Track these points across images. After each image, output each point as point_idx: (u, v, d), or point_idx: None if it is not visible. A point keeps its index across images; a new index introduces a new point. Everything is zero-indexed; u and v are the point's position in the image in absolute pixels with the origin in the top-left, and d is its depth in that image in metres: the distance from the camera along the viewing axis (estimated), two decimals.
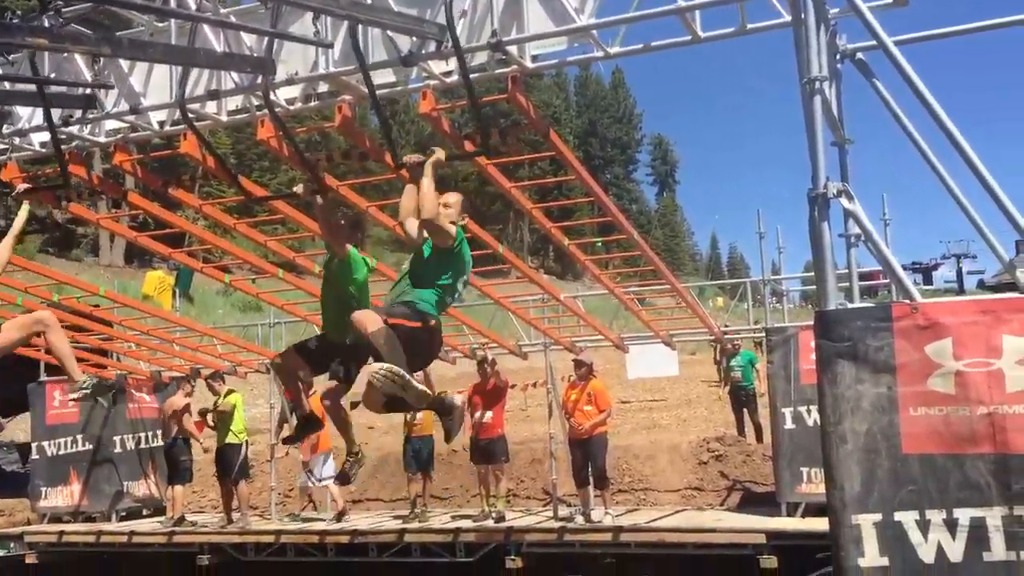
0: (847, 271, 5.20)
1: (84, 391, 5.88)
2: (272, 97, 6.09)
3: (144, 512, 15.45)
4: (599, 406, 11.78)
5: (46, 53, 6.55)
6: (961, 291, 35.72)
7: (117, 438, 15.30)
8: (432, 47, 5.62)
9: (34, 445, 15.73)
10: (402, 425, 13.26)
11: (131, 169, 7.54)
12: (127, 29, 6.81)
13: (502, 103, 6.59)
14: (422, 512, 12.97)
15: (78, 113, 6.64)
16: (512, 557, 11.49)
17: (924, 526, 4.58)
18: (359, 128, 6.34)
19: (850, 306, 4.95)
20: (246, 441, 13.68)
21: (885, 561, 4.60)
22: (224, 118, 6.66)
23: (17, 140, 7.08)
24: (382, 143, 6.60)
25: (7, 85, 6.57)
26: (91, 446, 15.21)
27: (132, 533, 13.80)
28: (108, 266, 44.60)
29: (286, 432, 11.28)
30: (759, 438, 15.17)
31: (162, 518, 14.15)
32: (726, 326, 15.73)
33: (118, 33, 6.28)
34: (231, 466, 13.26)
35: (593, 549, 11.45)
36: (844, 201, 4.93)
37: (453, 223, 5.43)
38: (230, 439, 13.29)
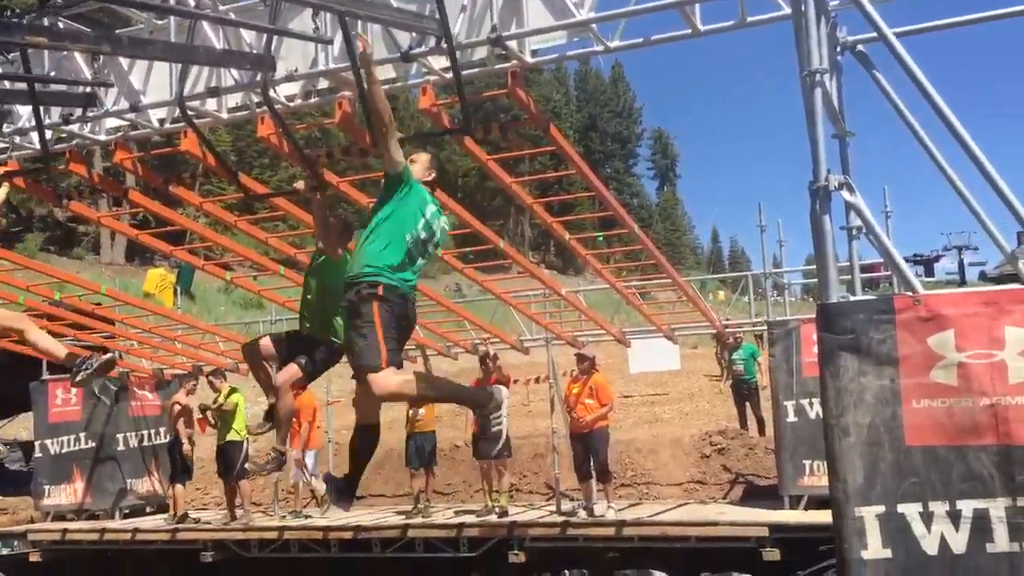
0: (848, 264, 5.20)
1: (86, 371, 5.45)
2: (272, 94, 6.09)
3: (147, 509, 15.47)
4: (601, 400, 11.81)
5: (44, 52, 6.56)
6: (963, 283, 35.68)
7: (120, 436, 15.31)
8: (432, 43, 5.62)
9: (37, 443, 15.74)
10: (404, 421, 13.27)
11: (132, 167, 7.55)
12: (126, 27, 6.81)
13: (502, 98, 6.58)
14: (425, 508, 12.99)
15: (78, 111, 6.64)
16: (515, 552, 11.50)
17: (927, 518, 4.58)
18: (359, 124, 6.32)
19: (852, 299, 4.94)
20: (247, 438, 13.69)
21: (888, 553, 4.60)
22: (224, 115, 6.66)
23: (18, 139, 7.08)
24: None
25: (7, 84, 6.57)
26: (94, 444, 15.22)
27: (136, 531, 13.82)
28: (109, 264, 44.60)
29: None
30: (761, 431, 15.18)
31: (165, 515, 14.17)
32: (727, 319, 15.74)
33: (117, 31, 6.27)
34: (233, 464, 13.27)
35: (596, 543, 11.46)
36: (845, 194, 4.93)
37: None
38: (232, 436, 13.30)
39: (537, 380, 20.01)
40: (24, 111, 6.94)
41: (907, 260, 5.57)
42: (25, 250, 34.00)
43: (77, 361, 5.54)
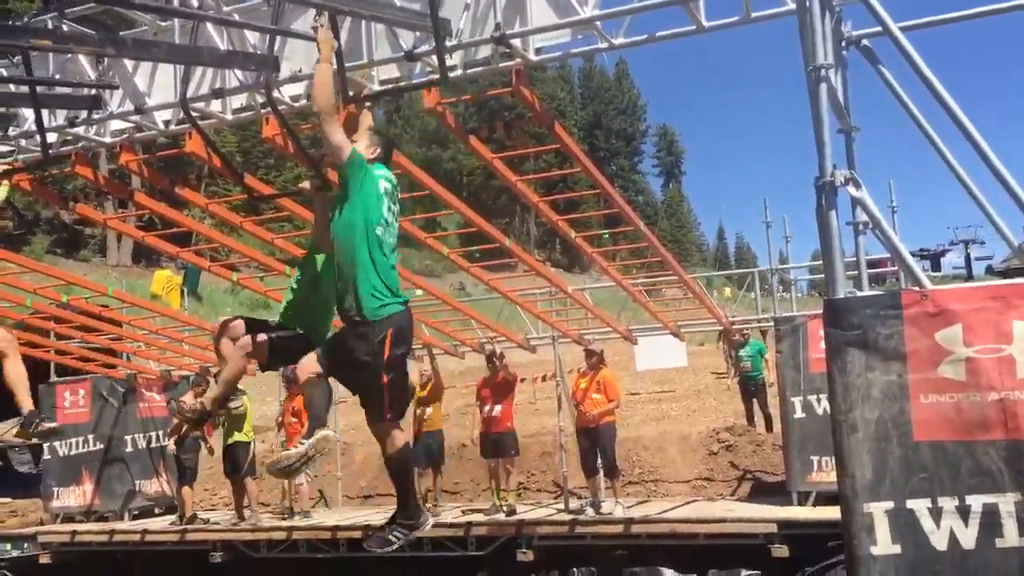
0: (855, 259, 5.19)
1: (31, 430, 5.47)
2: (276, 94, 6.08)
3: (156, 511, 15.52)
4: (608, 395, 11.82)
5: (49, 54, 6.56)
6: (970, 277, 35.60)
7: (128, 437, 15.36)
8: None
9: (46, 445, 15.78)
10: (411, 421, 13.28)
11: (137, 169, 7.56)
12: (131, 29, 6.81)
13: (507, 96, 6.57)
14: (433, 507, 12.99)
15: (83, 114, 6.65)
16: (523, 550, 11.50)
17: (936, 513, 4.57)
18: (360, 119, 6.31)
19: (859, 294, 4.94)
20: (253, 439, 13.72)
21: (897, 549, 4.59)
22: (229, 116, 6.65)
23: (24, 142, 7.09)
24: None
25: (11, 87, 6.58)
26: (102, 446, 15.27)
27: (145, 532, 13.85)
28: (116, 266, 44.70)
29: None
30: (769, 428, 15.16)
31: (174, 517, 14.20)
32: (734, 316, 15.72)
33: (122, 33, 6.27)
34: (240, 464, 13.30)
35: (604, 541, 11.45)
36: (851, 189, 4.92)
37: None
38: (239, 437, 13.33)
39: (544, 378, 20.03)
40: (29, 114, 6.95)
41: (913, 255, 5.56)
42: (32, 253, 34.15)
43: (28, 415, 5.59)
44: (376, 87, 6.15)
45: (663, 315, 13.13)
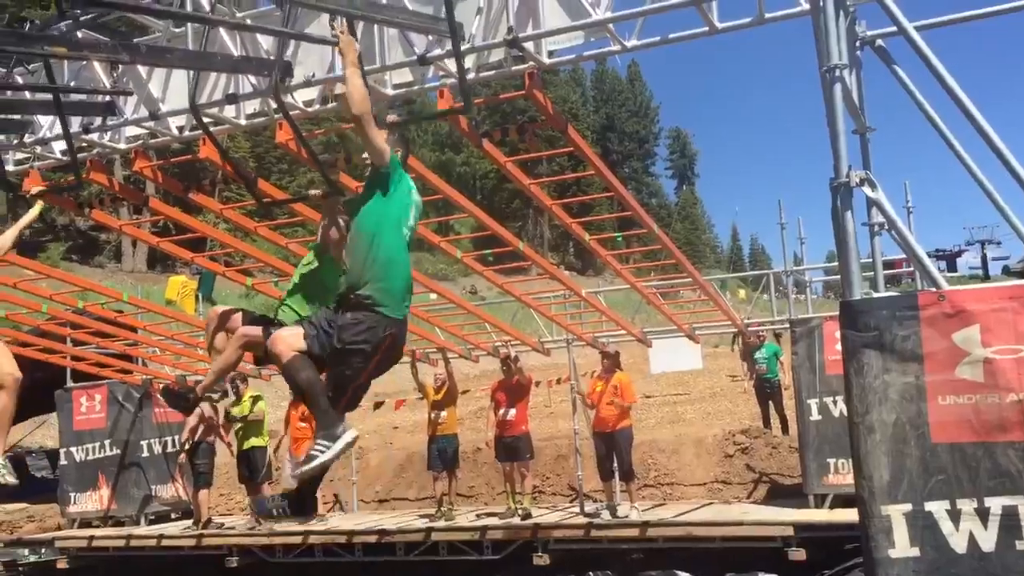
0: (870, 260, 5.16)
1: None
2: (289, 99, 6.10)
3: (172, 515, 15.57)
4: (623, 398, 11.78)
5: (64, 62, 6.61)
6: (986, 277, 35.42)
7: (144, 442, 15.42)
8: (448, 45, 5.61)
9: (62, 451, 15.88)
10: (426, 424, 13.29)
11: (151, 175, 7.59)
12: (144, 35, 6.85)
13: (519, 100, 6.57)
14: (448, 511, 12.98)
15: (98, 120, 6.69)
16: (539, 554, 11.48)
17: (955, 516, 4.54)
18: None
19: (875, 295, 4.91)
20: (269, 444, 13.75)
21: (916, 552, 4.56)
22: (243, 122, 6.68)
23: (39, 149, 7.14)
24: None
25: (27, 95, 6.62)
26: (118, 451, 15.34)
27: (161, 537, 13.91)
28: (131, 272, 44.94)
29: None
30: (784, 430, 15.10)
31: (190, 521, 14.24)
32: (749, 318, 15.66)
33: (135, 40, 6.31)
34: (258, 469, 13.33)
35: (620, 544, 11.42)
36: (867, 190, 4.89)
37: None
38: (256, 442, 13.36)
39: (559, 381, 20.00)
40: (44, 121, 7.00)
41: (929, 255, 5.51)
42: (48, 259, 34.35)
43: None
44: (390, 91, 6.17)
45: (678, 317, 13.08)
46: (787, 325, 12.66)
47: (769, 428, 15.47)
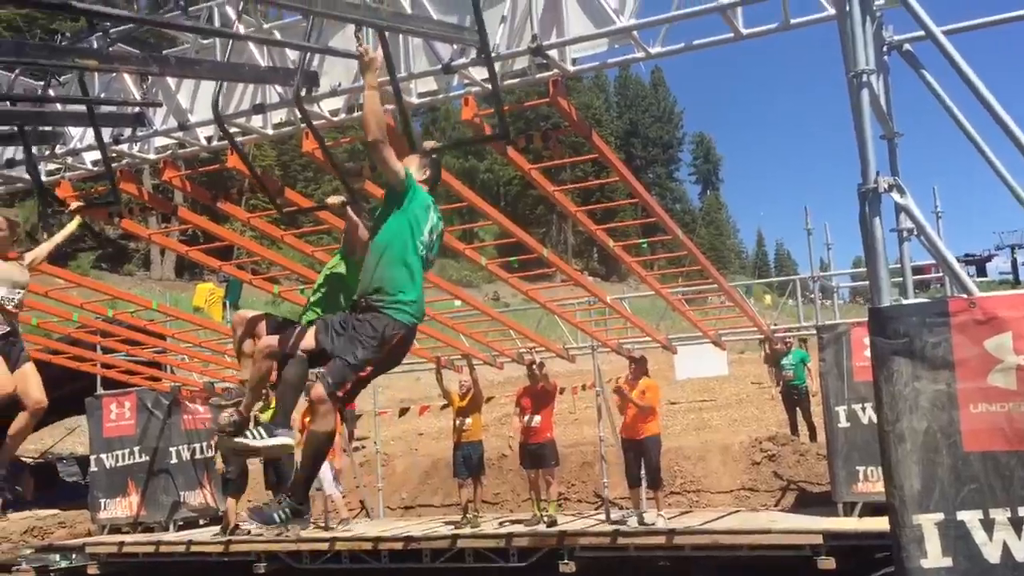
0: (899, 266, 5.11)
1: None
2: (315, 108, 6.14)
3: (201, 522, 15.67)
4: (648, 403, 11.73)
5: (95, 73, 6.69)
6: (1017, 283, 34.95)
7: (173, 449, 15.55)
8: (472, 54, 5.63)
9: (92, 457, 16.05)
10: (451, 431, 13.30)
11: (180, 184, 7.67)
12: (173, 47, 6.93)
13: (543, 106, 6.57)
14: (474, 518, 12.99)
15: (128, 131, 6.77)
16: (565, 561, 11.45)
17: (988, 525, 4.48)
18: (400, 136, 6.35)
19: (905, 302, 4.86)
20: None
21: (948, 562, 4.50)
22: (270, 131, 6.74)
23: (70, 160, 7.23)
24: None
25: (59, 106, 6.71)
26: (148, 457, 15.49)
27: (190, 543, 14.01)
28: (160, 280, 45.40)
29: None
30: (812, 437, 14.98)
31: (218, 528, 14.33)
32: (775, 324, 15.56)
33: (165, 51, 6.38)
34: (286, 476, 13.37)
35: (647, 552, 11.37)
36: (895, 195, 4.85)
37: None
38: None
39: (584, 388, 19.96)
40: (75, 132, 7.09)
41: (958, 260, 5.46)
42: (78, 268, 34.73)
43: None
44: (415, 100, 6.19)
45: (703, 323, 13.03)
46: (814, 331, 12.57)
47: (797, 435, 15.36)
